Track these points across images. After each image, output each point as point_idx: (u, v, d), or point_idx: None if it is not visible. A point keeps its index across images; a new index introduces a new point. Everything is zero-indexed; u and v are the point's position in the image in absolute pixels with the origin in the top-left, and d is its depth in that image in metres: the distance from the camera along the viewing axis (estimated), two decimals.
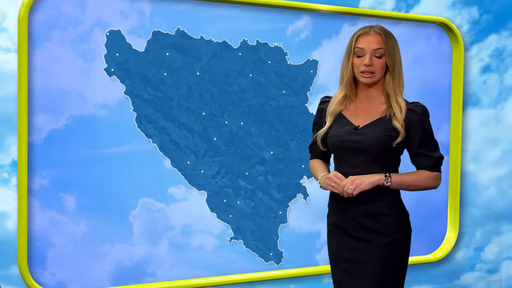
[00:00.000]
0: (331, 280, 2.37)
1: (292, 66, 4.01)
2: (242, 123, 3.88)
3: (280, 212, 4.01)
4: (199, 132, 3.77)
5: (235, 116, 3.87)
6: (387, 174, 2.13)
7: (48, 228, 3.14)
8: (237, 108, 3.87)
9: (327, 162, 2.45)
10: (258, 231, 3.91)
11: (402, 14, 3.58)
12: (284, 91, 3.99)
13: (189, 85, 3.73)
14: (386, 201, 2.21)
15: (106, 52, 3.54)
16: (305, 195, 4.15)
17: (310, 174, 3.96)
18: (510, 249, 3.83)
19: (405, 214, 2.28)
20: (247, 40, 3.85)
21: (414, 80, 3.50)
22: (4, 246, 2.92)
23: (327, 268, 3.56)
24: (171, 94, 3.69)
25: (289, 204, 4.05)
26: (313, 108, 4.04)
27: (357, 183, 2.08)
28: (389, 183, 2.13)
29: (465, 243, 3.74)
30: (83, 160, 3.29)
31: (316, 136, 2.35)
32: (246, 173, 3.92)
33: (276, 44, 3.93)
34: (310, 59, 4.04)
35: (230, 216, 3.89)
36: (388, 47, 2.16)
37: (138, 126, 3.60)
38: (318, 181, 2.32)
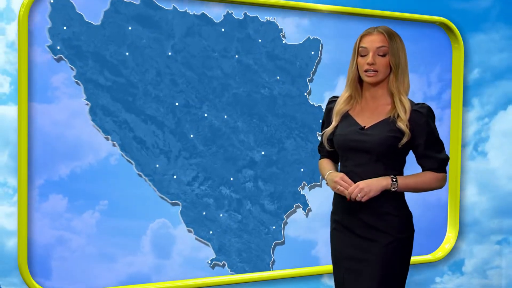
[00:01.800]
0: (331, 280, 2.36)
1: (289, 46, 3.69)
2: (225, 117, 3.55)
3: (274, 227, 3.70)
4: (171, 127, 3.42)
5: (217, 108, 3.54)
6: (394, 179, 2.23)
7: (54, 242, 3.12)
8: (220, 98, 3.54)
9: (336, 161, 2.49)
10: (246, 251, 3.61)
11: (402, 14, 3.62)
12: (278, 77, 3.68)
13: (158, 68, 3.37)
14: (391, 201, 2.29)
15: (50, 25, 3.12)
16: (305, 205, 3.82)
17: (310, 180, 3.81)
18: (510, 249, 3.97)
19: (409, 214, 2.36)
20: (232, 13, 3.52)
21: (413, 79, 3.14)
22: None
23: (327, 268, 3.57)
24: (134, 80, 3.32)
25: (284, 217, 3.74)
26: (314, 98, 3.80)
27: (366, 192, 2.19)
28: (396, 188, 2.24)
29: (465, 243, 3.87)
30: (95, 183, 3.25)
31: (323, 135, 2.43)
32: (231, 179, 3.59)
33: (268, 18, 3.59)
34: (311, 38, 3.73)
35: (211, 232, 3.54)
36: (392, 46, 2.26)
37: (92, 120, 3.24)
38: (325, 180, 2.40)
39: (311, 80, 3.78)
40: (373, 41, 2.28)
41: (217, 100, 3.54)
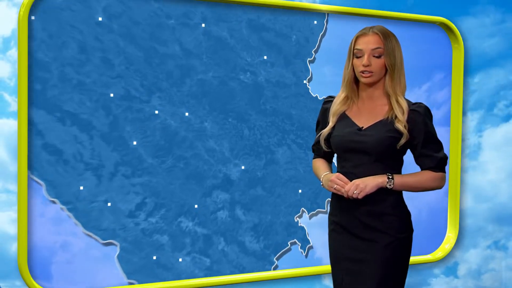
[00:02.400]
0: (331, 280, 2.66)
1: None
2: (187, 114, 3.32)
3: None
4: (103, 130, 3.13)
5: (174, 102, 3.31)
6: (390, 176, 2.47)
7: (56, 245, 3.06)
8: (178, 87, 3.29)
9: (330, 161, 2.75)
10: None
11: (402, 14, 3.87)
12: (265, 57, 3.48)
13: (82, 40, 3.06)
14: (390, 201, 2.50)
15: None
16: (304, 242, 3.63)
17: (312, 205, 3.69)
18: (510, 249, 4.35)
19: (408, 214, 2.57)
20: None
21: (413, 79, 3.43)
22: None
23: (327, 268, 3.58)
24: (45, 58, 2.99)
25: (274, 259, 3.53)
26: (316, 87, 3.65)
27: (361, 188, 2.45)
28: (392, 186, 2.47)
29: (465, 243, 4.20)
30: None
31: (320, 135, 2.64)
32: (195, 206, 3.36)
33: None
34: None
35: None
36: (387, 47, 2.51)
37: None
38: (321, 181, 2.61)
39: (312, 62, 3.60)
40: (368, 42, 2.50)
41: (174, 89, 3.28)
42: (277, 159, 3.49)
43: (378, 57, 2.52)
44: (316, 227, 3.75)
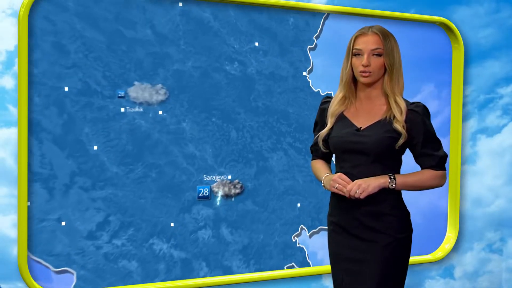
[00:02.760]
0: (331, 281, 2.72)
1: None
2: (160, 113, 3.05)
3: None
4: (56, 132, 2.85)
5: (145, 97, 3.06)
6: (392, 177, 2.56)
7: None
8: (150, 79, 3.00)
9: (328, 162, 2.81)
10: None
11: (402, 14, 3.97)
12: (256, 43, 3.27)
13: (28, 22, 2.82)
14: (389, 201, 2.58)
15: None
16: (304, 265, 3.43)
17: (313, 222, 3.44)
18: (510, 249, 4.48)
19: (407, 214, 2.66)
20: None
21: (413, 80, 3.63)
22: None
23: (327, 268, 3.49)
24: None
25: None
26: (317, 82, 3.44)
27: (364, 187, 2.54)
28: (394, 186, 2.55)
29: (465, 243, 4.33)
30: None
31: (318, 136, 2.72)
32: (171, 225, 3.10)
33: None
34: None
35: None
36: (386, 47, 2.61)
37: None
38: (322, 182, 2.67)
39: (313, 49, 3.41)
40: (368, 42, 2.56)
41: (144, 82, 3.03)
42: (270, 167, 3.30)
43: (377, 57, 2.59)
44: (317, 239, 3.59)
